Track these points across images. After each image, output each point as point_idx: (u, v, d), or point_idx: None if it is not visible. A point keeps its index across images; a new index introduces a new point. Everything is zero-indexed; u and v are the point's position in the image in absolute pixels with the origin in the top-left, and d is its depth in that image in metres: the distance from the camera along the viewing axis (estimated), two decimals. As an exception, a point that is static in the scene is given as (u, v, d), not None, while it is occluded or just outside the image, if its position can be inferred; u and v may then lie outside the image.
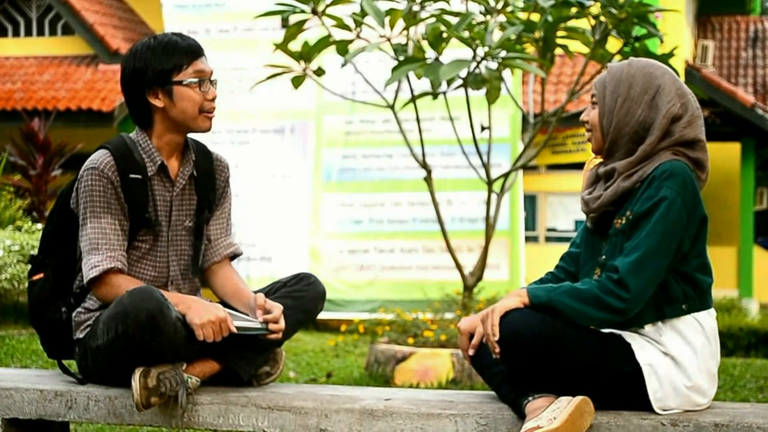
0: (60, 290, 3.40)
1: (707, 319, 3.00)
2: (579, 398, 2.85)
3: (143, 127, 3.36)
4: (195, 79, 3.30)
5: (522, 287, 3.01)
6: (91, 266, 3.24)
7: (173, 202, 3.38)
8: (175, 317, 3.09)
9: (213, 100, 3.35)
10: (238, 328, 3.18)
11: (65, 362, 3.52)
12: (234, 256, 3.53)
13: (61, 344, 3.43)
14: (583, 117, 3.11)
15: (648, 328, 2.95)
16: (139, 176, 3.30)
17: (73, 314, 3.37)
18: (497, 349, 2.91)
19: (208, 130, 3.37)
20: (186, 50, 3.30)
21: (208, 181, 3.45)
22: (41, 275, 3.43)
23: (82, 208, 3.28)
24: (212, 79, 3.36)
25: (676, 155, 2.96)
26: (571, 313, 2.89)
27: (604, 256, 3.01)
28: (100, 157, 3.29)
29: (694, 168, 2.98)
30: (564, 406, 2.83)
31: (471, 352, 3.07)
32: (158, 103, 3.30)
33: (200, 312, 3.13)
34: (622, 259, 2.88)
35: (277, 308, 3.25)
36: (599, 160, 3.13)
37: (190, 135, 3.46)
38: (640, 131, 2.98)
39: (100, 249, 3.24)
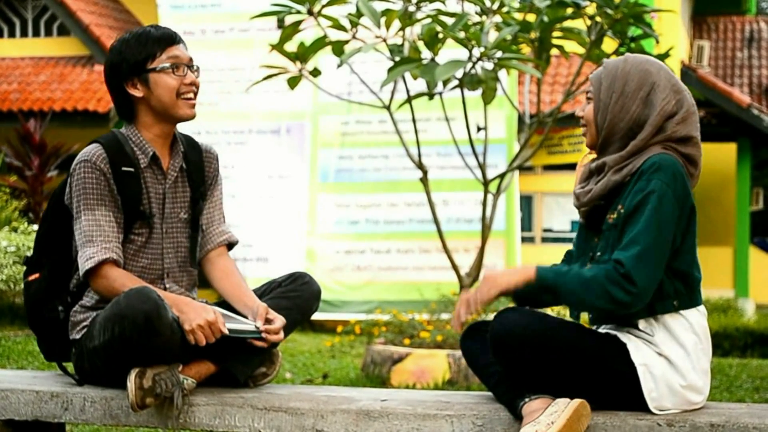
0: (56, 289, 3.40)
1: (697, 316, 2.99)
2: (576, 401, 2.84)
3: (129, 121, 3.40)
4: (168, 65, 3.32)
5: (531, 265, 2.99)
6: (86, 258, 3.24)
7: (166, 195, 3.39)
8: (172, 318, 3.09)
9: (192, 84, 3.36)
10: (231, 330, 3.17)
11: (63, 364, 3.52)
12: (230, 245, 3.53)
13: (58, 345, 3.43)
14: (578, 112, 3.12)
15: (641, 327, 2.95)
16: (131, 169, 3.32)
17: (70, 313, 3.37)
18: (472, 308, 2.94)
19: (191, 117, 3.39)
20: (159, 38, 3.34)
21: (199, 173, 3.47)
22: (37, 276, 3.43)
23: (75, 201, 3.29)
24: (192, 66, 3.38)
25: (666, 150, 2.97)
26: (573, 299, 2.89)
27: (599, 253, 3.00)
28: (91, 150, 3.32)
29: (685, 163, 2.98)
30: (561, 410, 2.82)
31: (461, 318, 3.06)
32: (137, 93, 3.34)
33: (190, 316, 3.13)
34: (623, 252, 2.85)
35: (279, 320, 3.26)
36: (593, 156, 3.13)
37: (179, 129, 3.46)
38: (634, 128, 2.99)
39: (95, 241, 3.25)
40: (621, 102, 2.99)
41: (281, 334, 3.25)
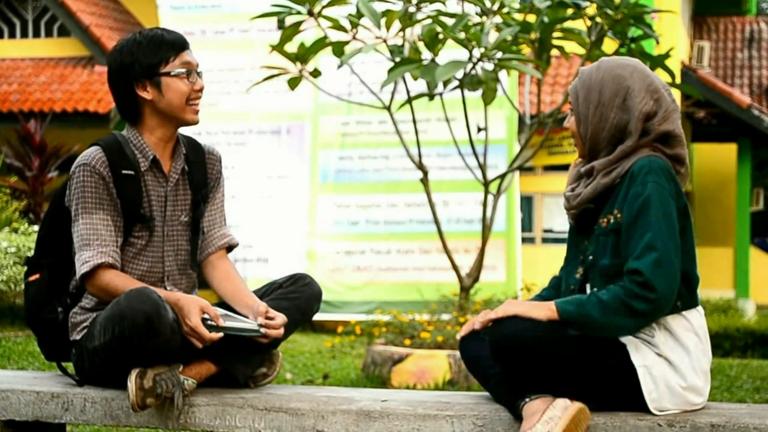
0: (56, 290, 3.40)
1: (696, 317, 2.99)
2: (575, 406, 2.82)
3: (133, 123, 3.39)
4: (183, 70, 3.33)
5: (549, 302, 2.96)
6: (82, 262, 3.25)
7: (168, 197, 3.39)
8: (172, 319, 3.10)
9: (200, 90, 3.37)
10: (229, 328, 3.17)
11: (63, 365, 3.52)
12: (230, 248, 3.54)
13: (58, 346, 3.43)
14: (565, 124, 3.14)
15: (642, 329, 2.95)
16: (131, 172, 3.32)
17: (70, 314, 3.37)
18: (489, 318, 2.94)
19: (196, 122, 3.40)
20: (172, 43, 3.34)
21: (201, 175, 3.47)
22: (37, 276, 3.43)
23: (74, 205, 3.29)
24: (198, 71, 3.39)
25: (654, 152, 2.97)
26: (597, 326, 2.87)
27: (591, 257, 2.99)
28: (91, 153, 3.31)
29: (673, 164, 2.99)
30: (559, 416, 2.81)
31: (463, 333, 3.09)
32: (147, 95, 3.32)
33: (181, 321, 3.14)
34: (638, 261, 2.84)
35: (280, 318, 3.26)
36: None
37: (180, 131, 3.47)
38: (617, 134, 2.99)
39: (91, 245, 3.25)
40: (599, 112, 3.00)
41: (281, 330, 3.25)
